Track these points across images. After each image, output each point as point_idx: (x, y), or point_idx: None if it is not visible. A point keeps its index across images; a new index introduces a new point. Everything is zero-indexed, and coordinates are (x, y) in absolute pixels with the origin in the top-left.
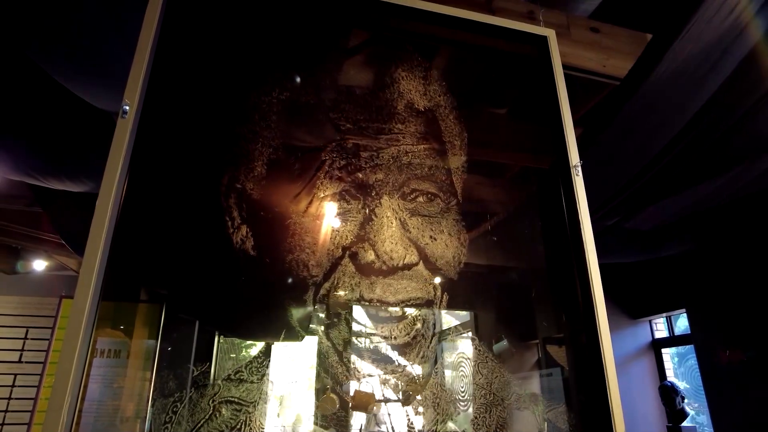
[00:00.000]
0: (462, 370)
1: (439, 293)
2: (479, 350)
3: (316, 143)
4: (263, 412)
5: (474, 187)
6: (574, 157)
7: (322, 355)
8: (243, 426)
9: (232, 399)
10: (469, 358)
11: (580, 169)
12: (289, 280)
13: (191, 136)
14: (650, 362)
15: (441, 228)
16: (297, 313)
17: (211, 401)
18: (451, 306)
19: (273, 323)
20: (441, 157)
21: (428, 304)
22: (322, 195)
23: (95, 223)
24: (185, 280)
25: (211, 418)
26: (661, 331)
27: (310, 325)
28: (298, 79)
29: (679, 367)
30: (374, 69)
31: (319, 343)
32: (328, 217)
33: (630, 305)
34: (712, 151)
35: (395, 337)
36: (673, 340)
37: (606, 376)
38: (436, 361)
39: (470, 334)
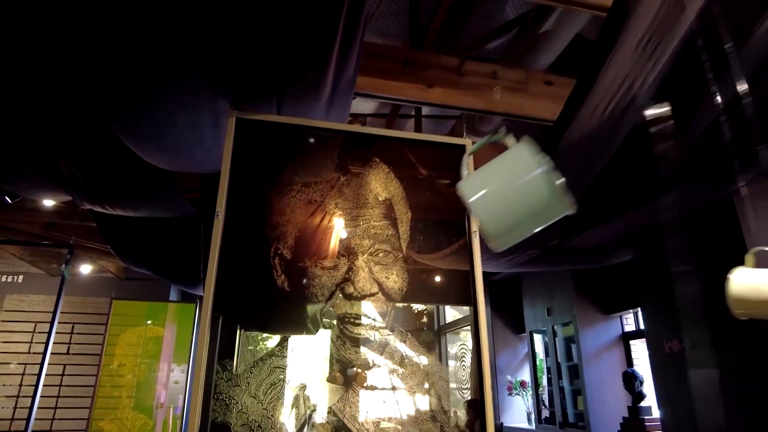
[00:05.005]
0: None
1: (390, 309)
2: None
3: (321, 224)
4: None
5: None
6: (474, 226)
7: (332, 348)
8: (283, 383)
9: (279, 366)
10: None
11: (478, 233)
12: (308, 304)
13: (252, 224)
14: (620, 353)
15: (392, 272)
16: (311, 319)
17: (267, 367)
18: (397, 316)
19: (298, 325)
20: (394, 228)
21: (383, 314)
22: (324, 255)
23: (208, 278)
24: (253, 306)
25: (268, 376)
26: (630, 325)
27: (320, 328)
28: (312, 185)
29: None
30: (354, 178)
31: (323, 340)
32: (328, 269)
33: (603, 302)
34: (630, 188)
35: (364, 334)
36: (638, 334)
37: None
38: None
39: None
